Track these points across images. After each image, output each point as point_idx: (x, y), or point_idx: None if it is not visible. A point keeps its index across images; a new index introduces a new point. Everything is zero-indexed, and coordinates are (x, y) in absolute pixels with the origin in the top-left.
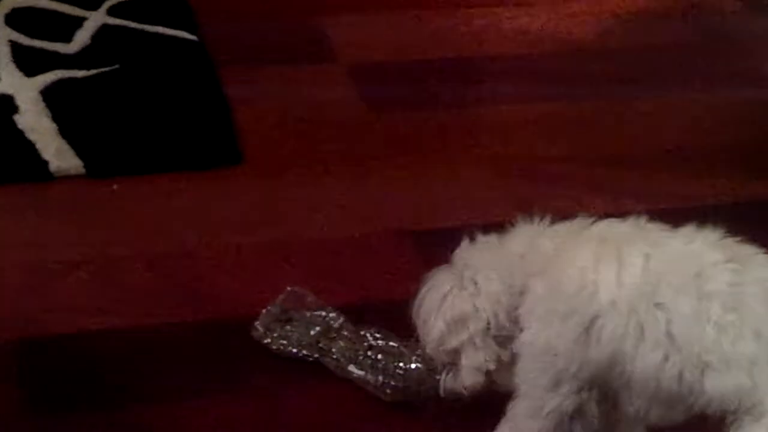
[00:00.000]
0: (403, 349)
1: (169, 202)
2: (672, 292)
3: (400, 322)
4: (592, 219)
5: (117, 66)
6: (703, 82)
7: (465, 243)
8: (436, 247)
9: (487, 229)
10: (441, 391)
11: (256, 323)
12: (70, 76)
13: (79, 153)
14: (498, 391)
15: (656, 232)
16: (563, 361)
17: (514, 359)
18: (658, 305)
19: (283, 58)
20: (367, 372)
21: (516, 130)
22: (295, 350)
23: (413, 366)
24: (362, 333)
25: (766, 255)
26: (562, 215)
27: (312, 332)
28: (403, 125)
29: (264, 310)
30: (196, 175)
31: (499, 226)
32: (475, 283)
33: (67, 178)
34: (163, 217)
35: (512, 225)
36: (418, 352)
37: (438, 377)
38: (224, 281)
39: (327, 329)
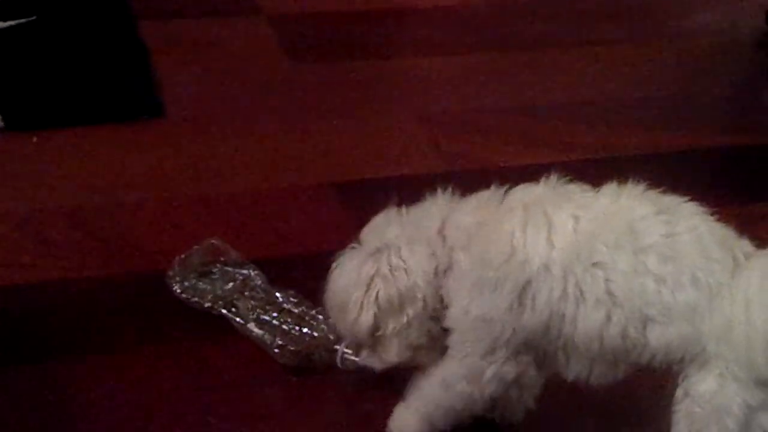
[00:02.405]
0: (311, 313)
1: (90, 156)
2: (608, 250)
3: (323, 276)
4: (504, 188)
5: (34, 17)
6: (625, 36)
7: (374, 220)
8: (361, 200)
9: (411, 181)
10: (339, 363)
11: (170, 271)
12: None
13: None
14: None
15: (577, 192)
16: (498, 328)
17: (440, 335)
18: (595, 264)
19: (205, 10)
20: (265, 332)
21: (440, 81)
22: (204, 303)
23: (307, 330)
24: (276, 294)
25: (692, 203)
26: (485, 166)
27: (227, 287)
28: (327, 77)
29: (179, 257)
30: (117, 127)
31: (422, 176)
32: (403, 262)
33: None
34: (85, 171)
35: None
36: (329, 320)
37: (337, 347)
38: (146, 235)
39: (242, 286)
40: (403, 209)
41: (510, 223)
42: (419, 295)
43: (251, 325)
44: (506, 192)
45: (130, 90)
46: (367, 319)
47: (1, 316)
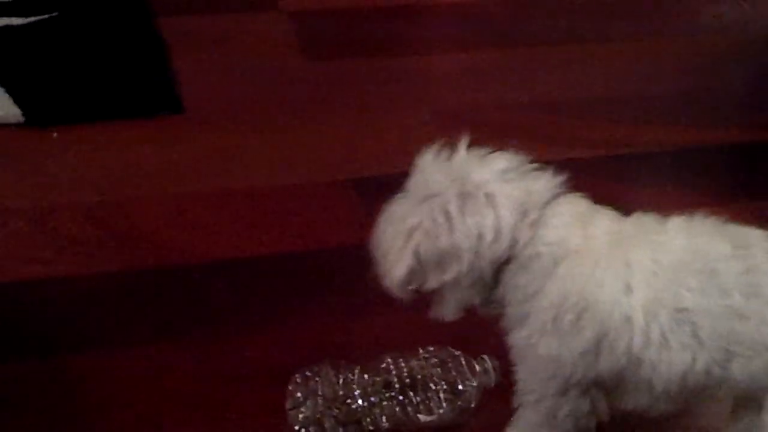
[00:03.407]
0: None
1: (109, 151)
2: (692, 296)
3: (339, 271)
4: (593, 207)
5: (55, 13)
6: (636, 32)
7: (425, 162)
8: (377, 195)
9: None
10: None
11: (296, 428)
12: (7, 24)
13: (18, 101)
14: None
15: (653, 228)
16: (569, 369)
17: (494, 301)
18: (680, 310)
19: (223, 6)
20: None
21: (455, 76)
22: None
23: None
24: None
25: (757, 230)
26: None
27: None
28: (343, 73)
29: (291, 412)
30: (136, 123)
31: None
32: (449, 216)
33: (6, 127)
34: (103, 166)
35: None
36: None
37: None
38: (163, 231)
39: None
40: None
41: (593, 265)
42: (463, 255)
43: (421, 417)
44: (593, 217)
45: (148, 86)
46: (400, 270)
47: (16, 310)
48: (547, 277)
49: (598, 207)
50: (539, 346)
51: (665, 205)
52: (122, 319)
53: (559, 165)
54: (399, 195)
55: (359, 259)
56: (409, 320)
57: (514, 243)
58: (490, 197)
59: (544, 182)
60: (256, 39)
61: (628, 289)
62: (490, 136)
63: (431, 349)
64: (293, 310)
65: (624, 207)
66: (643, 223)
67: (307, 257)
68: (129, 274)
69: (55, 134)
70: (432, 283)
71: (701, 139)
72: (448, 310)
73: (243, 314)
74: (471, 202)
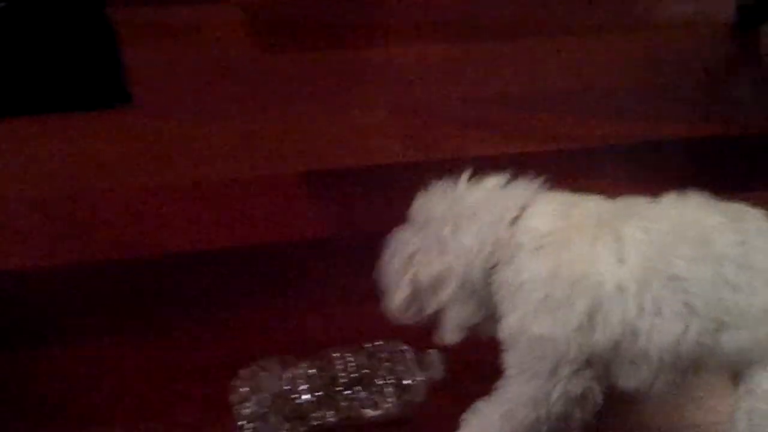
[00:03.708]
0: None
1: (57, 143)
2: (685, 263)
3: (292, 264)
4: (576, 197)
5: (3, 4)
6: (598, 26)
7: (424, 196)
8: (333, 189)
9: (384, 171)
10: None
11: (240, 423)
12: None
13: None
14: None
15: (643, 204)
16: (563, 347)
17: (494, 309)
18: (672, 278)
19: None
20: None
21: (414, 70)
22: (300, 428)
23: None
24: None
25: (755, 209)
26: (458, 156)
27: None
28: (300, 65)
29: (236, 407)
30: (85, 115)
31: (394, 166)
32: (443, 240)
33: None
34: (52, 158)
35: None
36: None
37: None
38: (115, 223)
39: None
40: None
41: (581, 241)
42: (455, 274)
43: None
44: (577, 202)
45: (98, 77)
46: (401, 298)
47: None
48: (533, 259)
49: (583, 196)
50: (533, 326)
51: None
52: (74, 313)
53: (513, 159)
54: (403, 225)
55: (311, 253)
56: (357, 314)
57: (498, 246)
58: (476, 213)
59: (524, 185)
60: (209, 30)
61: (621, 261)
62: (446, 130)
63: (379, 343)
64: (244, 304)
65: None
66: (633, 201)
67: (259, 250)
68: (82, 267)
69: (1, 126)
70: (431, 306)
71: (654, 133)
72: (449, 333)
73: (195, 307)
74: (462, 222)
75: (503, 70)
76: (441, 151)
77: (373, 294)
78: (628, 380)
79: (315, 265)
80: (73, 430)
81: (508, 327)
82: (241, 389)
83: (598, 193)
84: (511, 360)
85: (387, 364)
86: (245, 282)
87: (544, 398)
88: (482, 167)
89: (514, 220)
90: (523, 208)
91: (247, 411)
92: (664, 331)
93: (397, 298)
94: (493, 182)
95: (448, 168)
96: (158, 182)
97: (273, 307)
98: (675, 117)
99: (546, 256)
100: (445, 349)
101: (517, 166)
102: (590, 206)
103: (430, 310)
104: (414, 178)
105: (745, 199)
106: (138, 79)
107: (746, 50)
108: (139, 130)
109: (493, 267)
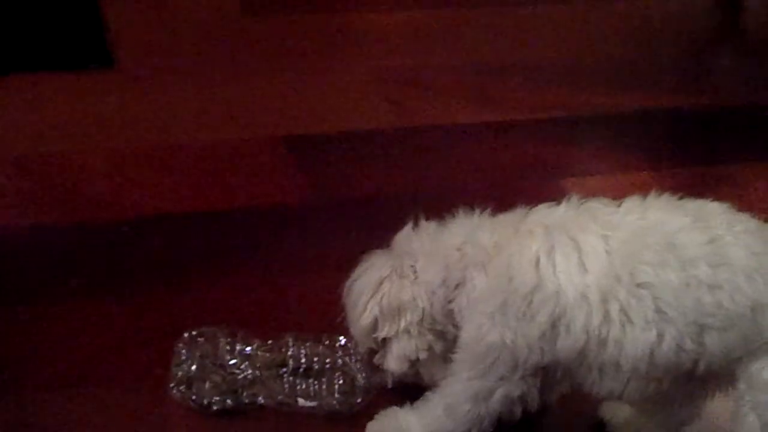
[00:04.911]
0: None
1: (38, 104)
2: (653, 269)
3: (266, 228)
4: (525, 210)
5: None
6: None
7: (406, 228)
8: (311, 154)
9: (362, 136)
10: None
11: (172, 385)
12: None
13: None
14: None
15: (601, 210)
16: (524, 353)
17: (445, 353)
18: (640, 285)
19: None
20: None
21: (395, 37)
22: (227, 401)
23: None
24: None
25: (715, 203)
26: (437, 123)
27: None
28: (281, 30)
29: (173, 368)
30: (66, 76)
31: (374, 133)
32: (414, 271)
33: None
34: (32, 119)
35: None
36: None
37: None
38: (93, 184)
39: (245, 378)
40: (434, 223)
41: (532, 247)
42: (419, 305)
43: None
44: (527, 213)
45: (80, 38)
46: (366, 319)
47: None
48: (482, 273)
49: (532, 208)
50: (491, 334)
51: (603, 169)
52: (48, 274)
53: (498, 127)
54: (375, 252)
55: (288, 220)
56: (324, 303)
57: (450, 272)
58: (438, 250)
59: (473, 221)
60: None
61: (582, 269)
62: (428, 97)
63: (342, 339)
64: (214, 270)
65: (563, 169)
66: (590, 207)
67: (236, 215)
68: (59, 227)
69: None
70: (386, 331)
71: (638, 104)
72: (393, 361)
73: (165, 270)
74: (429, 258)
75: (490, 38)
76: (422, 118)
77: (344, 265)
78: (597, 387)
79: (291, 232)
80: (11, 392)
81: (465, 338)
82: (180, 352)
83: (582, 163)
84: (462, 361)
85: (343, 360)
86: (219, 247)
87: (486, 396)
88: (466, 135)
89: (463, 244)
90: (473, 232)
91: (180, 374)
92: (635, 340)
93: (364, 319)
94: (467, 223)
95: (427, 135)
96: (136, 145)
97: (242, 275)
98: (661, 88)
99: (495, 266)
100: None
101: (502, 134)
102: (535, 219)
103: (384, 335)
104: (394, 145)
105: (730, 170)
106: (120, 42)
107: (731, 21)
108: (119, 93)
109: (453, 290)
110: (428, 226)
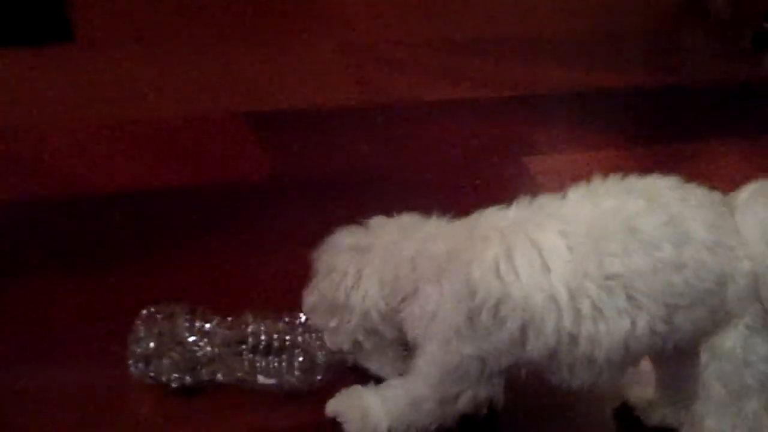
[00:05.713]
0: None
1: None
2: (619, 259)
3: (228, 205)
4: (474, 215)
5: None
6: None
7: (380, 219)
8: (275, 129)
9: (328, 112)
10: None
11: (130, 362)
12: None
13: None
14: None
15: (552, 205)
16: (495, 359)
17: (385, 348)
18: (610, 277)
19: None
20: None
21: (361, 12)
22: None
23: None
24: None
25: (661, 178)
26: (403, 98)
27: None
28: (245, 4)
29: (131, 345)
30: (25, 50)
31: (341, 109)
32: (359, 278)
33: None
34: None
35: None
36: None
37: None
38: (54, 159)
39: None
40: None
41: (489, 253)
42: (356, 310)
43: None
44: (478, 217)
45: (38, 12)
46: (308, 301)
47: None
48: (436, 286)
49: (478, 215)
50: (459, 348)
51: (572, 147)
52: (11, 249)
53: (464, 104)
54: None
55: (250, 196)
56: (285, 280)
57: (398, 283)
58: (397, 262)
59: (428, 228)
60: None
61: (545, 269)
62: (395, 73)
63: (302, 317)
64: (174, 246)
65: (526, 148)
66: (536, 205)
67: (198, 191)
68: (19, 201)
69: None
70: (318, 321)
71: (607, 81)
72: (330, 340)
73: (128, 247)
74: (384, 269)
75: (453, 14)
76: (387, 94)
77: (307, 243)
78: (567, 382)
79: (252, 209)
80: None
81: (430, 350)
82: (139, 329)
83: (551, 141)
84: (428, 373)
85: (302, 338)
86: (182, 224)
87: (453, 400)
88: (428, 111)
89: (416, 255)
90: (424, 242)
91: (139, 350)
92: (610, 332)
93: (307, 300)
94: (428, 228)
95: (393, 110)
96: (99, 121)
97: (205, 252)
98: (630, 65)
99: (450, 277)
100: None
101: (468, 110)
102: (487, 224)
103: (315, 323)
104: (360, 122)
105: (693, 147)
106: (79, 14)
107: None
108: (80, 68)
109: (402, 302)
110: (398, 223)
